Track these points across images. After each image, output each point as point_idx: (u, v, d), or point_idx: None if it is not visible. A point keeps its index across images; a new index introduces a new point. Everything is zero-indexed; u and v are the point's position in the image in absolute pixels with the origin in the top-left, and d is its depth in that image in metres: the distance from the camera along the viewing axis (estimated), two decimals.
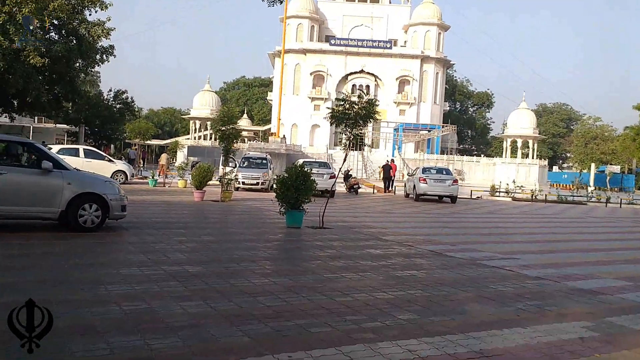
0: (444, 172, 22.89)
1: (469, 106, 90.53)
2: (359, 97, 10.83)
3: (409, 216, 15.86)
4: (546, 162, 58.09)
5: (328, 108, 11.12)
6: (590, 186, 53.94)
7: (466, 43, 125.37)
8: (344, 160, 11.80)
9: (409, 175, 24.65)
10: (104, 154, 24.02)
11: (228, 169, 17.56)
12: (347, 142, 11.34)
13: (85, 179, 9.21)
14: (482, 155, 63.11)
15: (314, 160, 26.62)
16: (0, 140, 9.45)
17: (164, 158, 28.72)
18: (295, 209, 11.19)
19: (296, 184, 11.08)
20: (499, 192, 27.68)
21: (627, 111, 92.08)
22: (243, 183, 22.14)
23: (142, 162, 42.21)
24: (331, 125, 11.17)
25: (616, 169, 59.79)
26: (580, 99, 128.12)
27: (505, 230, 13.40)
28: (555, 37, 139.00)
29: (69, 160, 21.93)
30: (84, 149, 23.15)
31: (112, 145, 52.44)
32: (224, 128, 16.84)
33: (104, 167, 22.38)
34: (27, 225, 9.12)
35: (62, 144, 40.79)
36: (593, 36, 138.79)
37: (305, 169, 11.38)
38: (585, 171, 61.92)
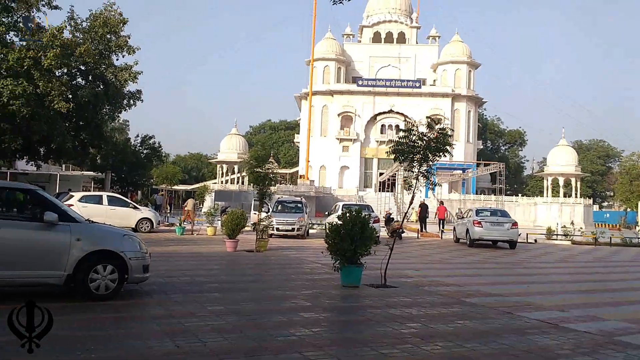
0: (500, 214, 20.64)
1: (500, 145, 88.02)
2: (429, 126, 8.94)
3: (475, 267, 13.66)
4: (591, 201, 54.98)
5: (392, 141, 9.28)
6: (638, 225, 50.60)
7: (497, 80, 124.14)
8: (411, 201, 9.80)
9: (459, 218, 22.44)
10: (129, 201, 22.51)
11: (263, 215, 15.68)
12: (414, 181, 9.35)
13: (99, 233, 7.40)
14: (520, 195, 60.31)
15: (353, 203, 24.67)
16: None
17: (190, 203, 27.08)
18: (352, 264, 9.19)
19: (352, 233, 9.12)
20: (556, 234, 25.17)
21: None
22: (277, 229, 20.23)
23: (168, 208, 40.90)
24: (395, 160, 9.08)
25: None
26: (617, 135, 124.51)
27: (605, 285, 11.06)
28: (588, 73, 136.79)
29: (91, 209, 20.56)
30: (107, 195, 21.69)
31: (139, 192, 51.47)
32: (258, 170, 15.06)
33: (128, 215, 20.87)
34: (21, 293, 7.28)
35: (89, 191, 39.79)
36: (624, 71, 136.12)
37: (363, 215, 9.43)
38: (630, 210, 58.47)
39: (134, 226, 20.64)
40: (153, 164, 44.32)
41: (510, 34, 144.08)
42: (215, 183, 55.98)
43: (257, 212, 22.51)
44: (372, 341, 5.51)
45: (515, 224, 19.88)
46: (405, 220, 33.75)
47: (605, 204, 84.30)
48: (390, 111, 61.19)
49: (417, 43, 67.89)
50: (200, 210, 41.05)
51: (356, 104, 61.13)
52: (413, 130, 8.97)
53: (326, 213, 23.21)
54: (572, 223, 28.39)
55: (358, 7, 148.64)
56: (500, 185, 58.36)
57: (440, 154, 9.04)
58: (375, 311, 7.10)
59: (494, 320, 6.91)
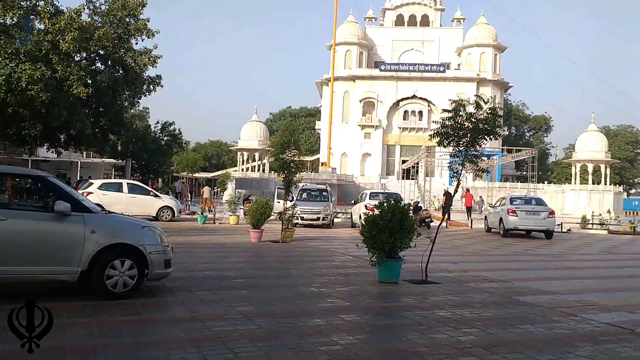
0: (535, 202, 19.61)
1: (525, 131, 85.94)
2: (477, 105, 8.03)
3: (516, 260, 12.75)
4: (621, 189, 53.23)
5: (435, 122, 8.35)
6: None
7: (523, 64, 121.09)
8: (456, 189, 8.92)
9: (491, 207, 21.45)
10: (150, 189, 21.97)
11: (289, 204, 14.94)
12: (459, 169, 8.48)
13: (116, 224, 6.71)
14: (545, 183, 58.66)
15: (381, 191, 23.79)
16: (2, 174, 7.05)
17: (206, 191, 26.58)
18: (391, 258, 8.40)
19: (391, 224, 8.32)
20: (591, 224, 24.02)
21: None
22: (302, 218, 19.51)
23: (189, 196, 40.51)
24: (439, 145, 8.16)
25: None
26: None
27: None
28: (618, 53, 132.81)
29: (111, 196, 19.99)
30: (127, 183, 21.16)
31: (159, 179, 51.24)
32: (284, 156, 14.29)
33: (149, 203, 20.34)
34: (29, 289, 6.65)
35: (110, 178, 39.57)
36: None
37: (402, 204, 8.62)
38: None
39: (154, 215, 20.15)
40: (173, 151, 43.95)
41: (537, 15, 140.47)
42: (236, 171, 55.55)
43: (280, 201, 21.92)
44: (429, 352, 4.73)
45: (552, 212, 18.87)
46: (434, 208, 32.69)
47: (633, 191, 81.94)
48: (414, 96, 59.82)
49: (441, 26, 66.15)
50: (221, 198, 40.58)
51: (378, 89, 59.88)
52: (460, 110, 8.07)
53: (352, 202, 22.41)
54: (609, 211, 27.11)
55: None
56: (527, 173, 56.85)
57: (490, 136, 8.15)
58: (422, 313, 6.32)
59: (558, 324, 6.08)
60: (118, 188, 20.23)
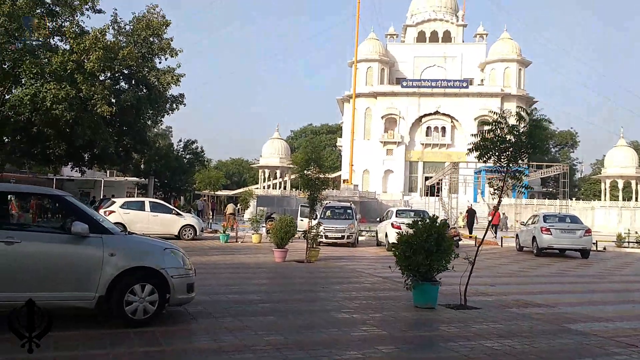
0: (570, 220, 18.79)
1: (550, 146, 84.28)
2: (519, 117, 7.49)
3: (557, 281, 12.03)
4: None
5: (474, 135, 7.83)
6: None
7: (549, 78, 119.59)
8: (496, 207, 8.33)
9: (523, 225, 20.67)
10: (172, 207, 21.75)
11: (314, 222, 14.47)
12: (501, 185, 7.92)
13: (136, 246, 6.32)
14: (573, 199, 57.17)
15: (407, 209, 23.19)
16: (17, 193, 6.75)
17: (230, 208, 26.22)
18: (427, 281, 7.84)
19: (427, 245, 7.78)
20: (628, 242, 23.01)
21: None
22: (326, 237, 18.98)
23: (211, 214, 40.34)
24: (479, 159, 7.62)
25: None
26: None
27: None
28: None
29: (133, 215, 19.77)
30: (150, 201, 20.96)
31: (181, 197, 51.32)
32: (308, 172, 13.88)
33: (171, 222, 20.10)
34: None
35: (133, 196, 39.69)
36: None
37: (439, 222, 8.08)
38: None
39: (176, 233, 19.89)
40: (195, 169, 43.98)
41: (561, 28, 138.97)
42: (257, 188, 55.38)
43: (303, 219, 21.46)
44: None
45: (588, 230, 18.01)
46: (459, 226, 31.88)
47: None
48: (437, 112, 59.23)
49: (463, 42, 65.73)
50: (243, 216, 40.31)
51: (400, 105, 59.43)
52: (501, 122, 7.55)
53: (377, 219, 21.83)
54: None
55: (401, 6, 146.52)
56: (553, 189, 55.42)
57: (534, 150, 7.60)
58: (468, 344, 5.74)
59: (620, 357, 5.46)
60: (140, 206, 20.04)
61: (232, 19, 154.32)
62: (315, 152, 14.43)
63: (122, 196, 33.87)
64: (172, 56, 31.35)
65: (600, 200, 52.71)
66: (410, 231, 8.15)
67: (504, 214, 43.00)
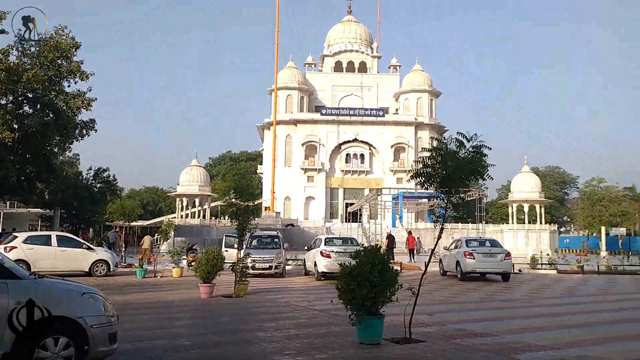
0: (490, 244, 19.35)
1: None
2: (459, 144, 7.38)
3: (488, 307, 12.10)
4: (555, 227, 55.14)
5: (415, 162, 7.62)
6: (602, 251, 50.75)
7: (458, 107, 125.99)
8: (439, 235, 8.11)
9: (446, 250, 21.03)
10: (82, 241, 20.04)
11: (243, 253, 13.75)
12: (443, 213, 7.78)
13: (49, 293, 5.43)
14: (483, 223, 59.84)
15: (337, 236, 22.88)
16: None
17: (147, 241, 24.69)
18: (372, 315, 7.44)
19: (371, 277, 7.42)
20: (541, 264, 24.08)
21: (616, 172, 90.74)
22: (252, 267, 18.20)
23: (124, 246, 38.02)
24: (417, 185, 7.41)
25: (622, 231, 56.95)
26: (574, 161, 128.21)
27: None
28: (547, 98, 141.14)
29: (38, 251, 17.94)
30: (57, 235, 19.16)
31: (90, 229, 48.13)
32: (235, 201, 13.22)
33: (81, 257, 18.49)
34: None
35: (36, 229, 36.54)
36: (584, 95, 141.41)
37: (382, 252, 7.76)
38: (592, 235, 58.87)
39: (87, 269, 18.31)
40: (107, 198, 41.44)
41: (470, 59, 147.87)
42: (175, 217, 53.14)
43: (227, 249, 20.56)
44: None
45: (508, 254, 18.60)
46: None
47: (563, 229, 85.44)
48: (355, 140, 60.32)
49: (378, 72, 67.85)
50: (159, 248, 38.33)
51: (320, 133, 59.99)
52: (441, 149, 7.42)
53: (305, 248, 21.36)
54: (557, 251, 27.40)
55: (319, 36, 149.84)
56: (463, 214, 57.62)
57: (475, 177, 7.52)
58: None
59: None
60: (46, 241, 18.25)
61: (149, 45, 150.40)
62: (245, 180, 13.80)
63: (24, 229, 31.06)
64: (82, 79, 29.62)
65: (507, 223, 55.56)
66: (352, 262, 7.76)
67: (418, 237, 44.06)
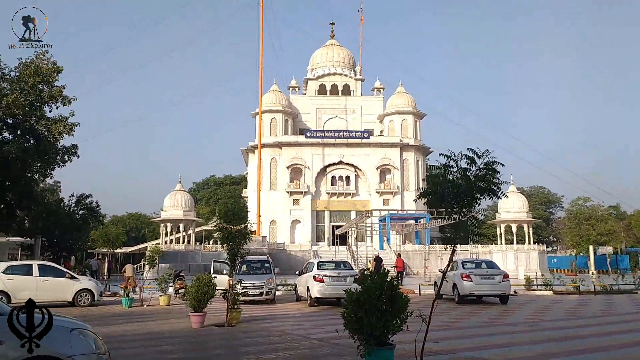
0: (487, 265, 19.00)
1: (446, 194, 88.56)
2: (471, 160, 6.99)
3: (492, 332, 11.66)
4: (544, 247, 55.16)
5: (424, 179, 7.26)
6: (591, 270, 50.81)
7: (442, 128, 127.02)
8: (451, 258, 7.77)
9: (441, 272, 20.59)
10: (65, 269, 19.24)
11: (235, 280, 13.18)
12: (454, 230, 7.41)
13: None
14: (471, 243, 59.71)
15: (329, 260, 22.36)
16: None
17: (129, 269, 23.93)
18: (382, 345, 6.96)
19: (380, 304, 6.96)
20: (536, 285, 23.78)
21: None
22: (243, 294, 17.56)
23: (107, 274, 36.94)
24: (425, 204, 7.02)
25: (609, 250, 57.22)
26: (557, 180, 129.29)
27: None
28: (530, 118, 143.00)
29: (19, 281, 17.12)
30: (38, 264, 18.38)
31: (72, 257, 46.85)
32: (227, 226, 12.70)
33: (64, 287, 17.76)
34: None
35: (16, 259, 35.38)
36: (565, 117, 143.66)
37: (390, 277, 7.32)
38: (580, 254, 58.96)
39: (70, 299, 17.56)
40: (90, 225, 40.44)
41: (453, 79, 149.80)
42: (159, 243, 52.06)
43: (216, 275, 19.89)
44: None
45: (506, 275, 18.25)
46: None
47: (549, 249, 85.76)
48: (340, 162, 60.11)
49: (362, 95, 68.10)
50: (140, 276, 37.27)
51: (305, 155, 59.70)
52: (452, 166, 7.06)
53: (297, 272, 20.79)
54: (552, 271, 27.06)
55: (302, 60, 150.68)
56: (449, 235, 57.10)
57: (490, 195, 7.17)
58: None
59: None
60: (27, 271, 17.46)
61: (131, 68, 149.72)
62: (236, 203, 13.31)
63: (4, 259, 30.00)
64: (64, 104, 28.99)
65: (496, 244, 55.46)
66: (357, 287, 7.30)
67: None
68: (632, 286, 23.36)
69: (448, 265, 8.43)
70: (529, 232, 52.64)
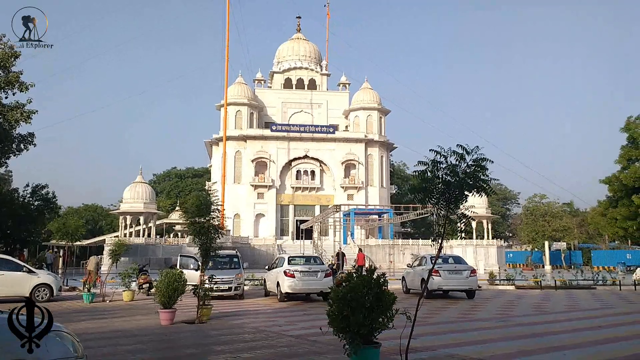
0: (454, 261, 19.18)
1: (407, 190, 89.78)
2: (460, 156, 6.89)
3: (465, 327, 11.71)
4: (502, 242, 56.45)
5: (413, 175, 7.12)
6: (546, 265, 52.40)
7: (405, 124, 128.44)
8: (437, 253, 7.72)
9: (409, 267, 20.72)
10: (22, 263, 18.38)
11: (206, 276, 12.82)
12: (441, 229, 7.32)
13: (5, 332, 4.47)
14: (431, 238, 60.59)
15: (300, 255, 22.13)
16: None
17: (92, 262, 22.98)
18: (368, 344, 6.82)
19: (367, 302, 6.82)
20: (499, 279, 24.23)
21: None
22: (211, 289, 17.17)
23: (63, 267, 35.68)
24: (420, 203, 6.90)
25: (563, 245, 59.07)
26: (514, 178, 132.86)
27: None
28: (489, 115, 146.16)
29: None
30: None
31: (25, 250, 45.02)
32: (199, 219, 12.33)
33: (21, 281, 16.96)
34: None
35: None
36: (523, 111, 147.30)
37: (377, 274, 7.19)
38: (536, 250, 60.66)
39: (27, 294, 16.72)
40: (46, 217, 38.86)
41: (418, 76, 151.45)
42: (117, 236, 50.66)
43: (183, 271, 19.40)
44: None
45: (473, 271, 18.47)
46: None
47: (506, 244, 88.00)
48: (306, 156, 59.97)
49: (327, 90, 68.06)
50: (100, 269, 36.16)
51: (270, 149, 59.26)
52: (441, 162, 6.94)
53: (266, 267, 20.50)
54: (514, 266, 27.68)
55: (268, 53, 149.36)
56: (410, 230, 57.95)
57: (478, 192, 7.10)
58: None
59: None
60: None
61: (94, 58, 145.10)
62: (207, 196, 12.93)
63: None
64: (21, 91, 27.79)
65: (455, 239, 56.43)
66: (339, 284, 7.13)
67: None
68: (591, 282, 24.06)
69: (434, 262, 8.32)
70: (487, 228, 53.73)
